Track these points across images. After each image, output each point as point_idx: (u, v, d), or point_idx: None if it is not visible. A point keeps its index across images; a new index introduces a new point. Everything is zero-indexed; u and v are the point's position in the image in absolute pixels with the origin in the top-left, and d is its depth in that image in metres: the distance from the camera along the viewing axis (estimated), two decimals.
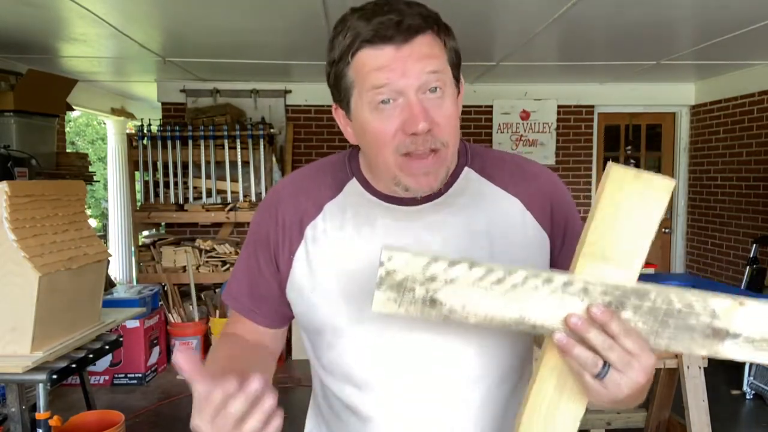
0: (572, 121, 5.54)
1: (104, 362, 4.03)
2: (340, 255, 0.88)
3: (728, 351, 0.68)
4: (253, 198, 4.72)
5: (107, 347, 2.34)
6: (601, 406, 0.71)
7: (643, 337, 0.67)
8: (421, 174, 0.81)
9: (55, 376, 1.98)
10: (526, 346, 0.95)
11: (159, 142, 4.63)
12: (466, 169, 0.92)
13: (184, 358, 0.67)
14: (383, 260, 0.66)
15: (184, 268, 4.59)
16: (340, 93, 0.85)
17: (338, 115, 0.90)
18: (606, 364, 0.66)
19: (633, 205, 0.67)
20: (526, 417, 0.72)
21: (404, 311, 0.68)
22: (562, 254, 0.91)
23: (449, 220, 0.88)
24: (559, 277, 0.67)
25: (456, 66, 0.84)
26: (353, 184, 0.92)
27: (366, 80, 0.79)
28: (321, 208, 0.91)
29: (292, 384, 4.06)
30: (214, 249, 4.65)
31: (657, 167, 5.79)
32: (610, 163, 0.68)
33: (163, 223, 5.15)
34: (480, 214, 0.89)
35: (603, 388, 0.67)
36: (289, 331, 1.03)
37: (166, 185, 4.68)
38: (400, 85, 0.78)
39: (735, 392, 3.85)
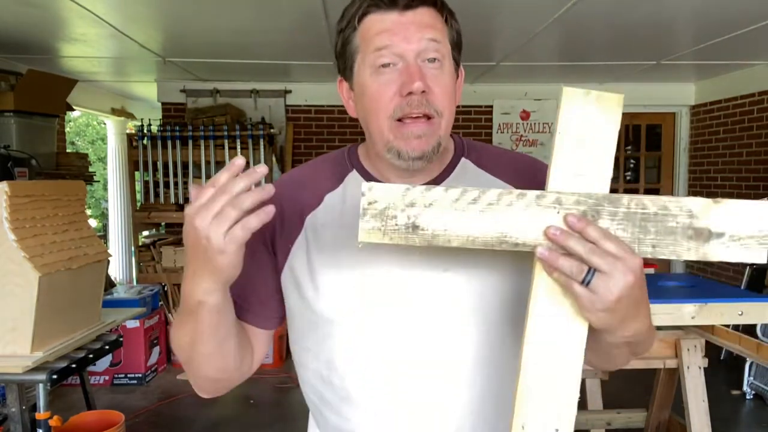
0: None
1: (104, 362, 4.03)
2: (339, 244, 0.89)
3: (716, 252, 0.69)
4: None
5: (107, 347, 2.33)
6: (604, 326, 0.70)
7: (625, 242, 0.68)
8: (413, 137, 0.83)
9: (55, 376, 1.98)
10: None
11: (159, 142, 4.63)
12: (463, 159, 0.94)
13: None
14: (364, 191, 0.69)
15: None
16: (346, 60, 0.88)
17: (342, 89, 0.92)
18: (591, 269, 0.67)
19: (589, 122, 0.70)
20: (527, 346, 0.72)
21: (389, 239, 0.70)
22: None
23: None
24: (532, 192, 0.69)
25: (456, 46, 0.88)
26: (353, 176, 0.94)
27: (370, 43, 0.83)
28: (321, 199, 0.92)
29: (292, 384, 4.06)
30: None
31: (657, 167, 5.79)
32: (562, 87, 0.72)
33: (163, 223, 5.15)
34: None
35: (593, 294, 0.67)
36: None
37: (166, 185, 4.68)
38: (400, 48, 0.82)
39: (735, 392, 3.85)
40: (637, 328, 0.73)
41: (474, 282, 0.87)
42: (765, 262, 0.69)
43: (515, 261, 0.90)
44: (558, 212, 0.69)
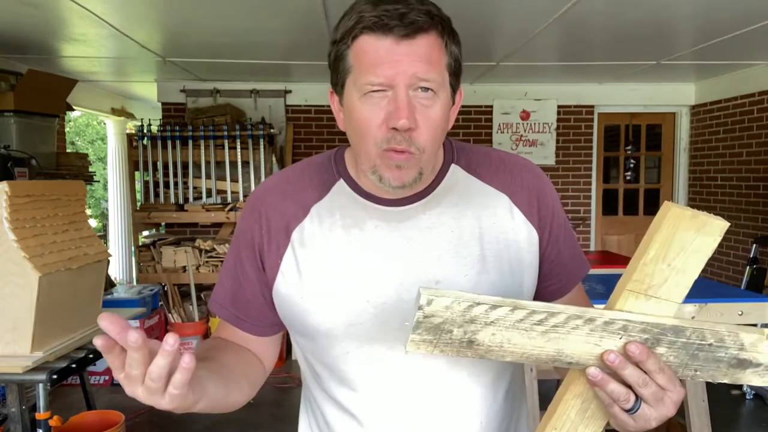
0: (572, 121, 5.54)
1: (104, 362, 4.01)
2: (329, 258, 0.87)
3: (749, 378, 0.71)
4: None
5: None
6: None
7: (673, 371, 0.69)
8: (393, 166, 0.80)
9: (55, 376, 1.98)
10: None
11: (159, 142, 4.63)
12: (452, 166, 0.92)
13: (109, 319, 0.62)
14: (422, 304, 0.64)
15: (184, 268, 4.59)
16: (338, 75, 0.84)
17: (333, 101, 0.89)
18: (638, 398, 0.68)
19: (685, 246, 0.67)
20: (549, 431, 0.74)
21: (439, 351, 0.68)
22: (549, 247, 0.92)
23: (439, 219, 0.88)
24: (601, 317, 0.68)
25: (454, 74, 0.83)
26: (341, 185, 0.91)
27: (361, 68, 0.79)
28: (308, 211, 0.89)
29: (293, 384, 4.06)
30: (214, 249, 4.65)
31: (657, 167, 5.79)
32: (667, 204, 0.67)
33: (163, 223, 5.15)
34: (469, 213, 0.89)
35: (632, 421, 0.69)
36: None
37: (166, 185, 4.68)
38: (391, 79, 0.77)
39: (735, 392, 3.84)
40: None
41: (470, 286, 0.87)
42: None
43: (516, 267, 0.90)
44: (621, 338, 0.68)
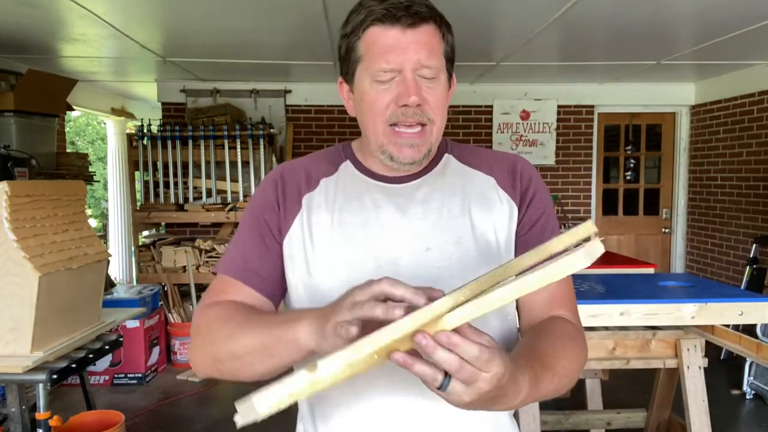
0: (572, 121, 5.54)
1: (104, 362, 4.03)
2: (334, 224, 0.96)
3: None
4: None
5: (107, 347, 2.33)
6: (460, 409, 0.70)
7: (492, 346, 0.65)
8: (406, 145, 0.91)
9: (55, 376, 1.98)
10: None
11: (159, 142, 4.63)
12: (446, 155, 1.04)
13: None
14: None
15: (184, 268, 4.60)
16: (349, 64, 0.94)
17: (342, 90, 1.00)
18: (447, 374, 0.65)
19: None
20: None
21: None
22: (527, 218, 0.98)
23: (431, 195, 0.98)
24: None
25: (450, 60, 0.95)
26: (347, 165, 1.03)
27: (372, 55, 0.90)
28: (318, 183, 1.00)
29: None
30: (214, 249, 4.65)
31: (657, 167, 5.79)
32: None
33: (163, 223, 5.15)
34: (458, 191, 0.99)
35: (447, 396, 0.67)
36: None
37: (166, 185, 4.68)
38: (400, 64, 0.89)
39: (735, 392, 3.84)
40: (502, 408, 0.73)
41: (455, 261, 0.93)
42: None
43: (498, 242, 0.97)
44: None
